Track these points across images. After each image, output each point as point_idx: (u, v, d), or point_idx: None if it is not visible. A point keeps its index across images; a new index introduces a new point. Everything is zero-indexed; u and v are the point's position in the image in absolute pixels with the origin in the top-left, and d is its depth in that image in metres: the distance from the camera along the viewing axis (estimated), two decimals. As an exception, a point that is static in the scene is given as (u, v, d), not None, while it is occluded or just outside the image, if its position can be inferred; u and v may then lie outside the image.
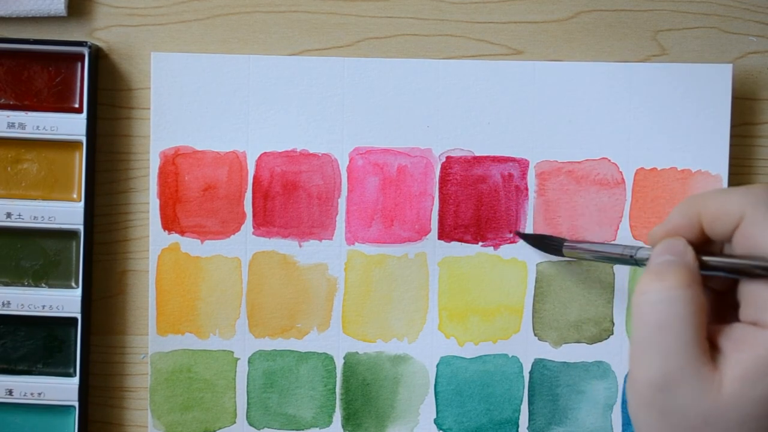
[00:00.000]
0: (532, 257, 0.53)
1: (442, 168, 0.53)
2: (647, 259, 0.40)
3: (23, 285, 0.52)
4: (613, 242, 0.49)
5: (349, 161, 0.52)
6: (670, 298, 0.35)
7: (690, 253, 0.37)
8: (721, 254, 0.38)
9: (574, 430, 0.53)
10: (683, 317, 0.35)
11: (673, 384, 0.34)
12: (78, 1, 0.53)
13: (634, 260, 0.42)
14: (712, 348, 0.36)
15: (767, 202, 0.36)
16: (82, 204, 0.52)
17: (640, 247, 0.42)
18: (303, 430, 0.53)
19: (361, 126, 0.52)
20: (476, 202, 0.53)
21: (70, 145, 0.52)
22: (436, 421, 0.53)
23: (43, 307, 0.52)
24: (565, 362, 0.53)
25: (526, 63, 0.52)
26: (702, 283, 0.37)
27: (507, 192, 0.53)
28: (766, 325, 0.35)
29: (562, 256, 0.50)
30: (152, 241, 0.52)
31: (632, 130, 0.52)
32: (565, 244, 0.50)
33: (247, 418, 0.53)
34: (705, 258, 0.37)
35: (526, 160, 0.53)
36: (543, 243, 0.52)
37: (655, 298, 0.35)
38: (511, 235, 0.53)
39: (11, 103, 0.52)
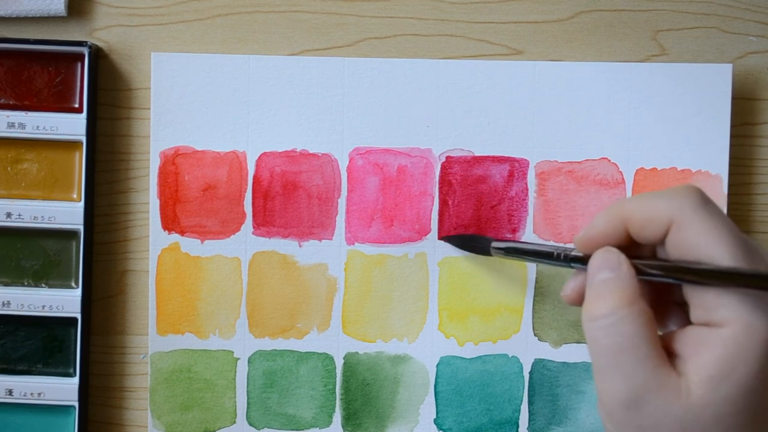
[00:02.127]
0: (532, 257, 0.53)
1: (442, 168, 0.53)
2: (579, 259, 0.39)
3: (23, 285, 0.53)
4: (543, 243, 0.48)
5: (349, 161, 0.52)
6: (617, 320, 0.35)
7: (625, 265, 0.37)
8: (655, 258, 0.38)
9: (574, 430, 0.53)
10: (634, 335, 0.35)
11: (641, 400, 0.35)
12: (78, 1, 0.53)
13: (566, 262, 0.41)
14: (670, 355, 0.36)
15: (692, 205, 0.35)
16: (82, 204, 0.52)
17: (573, 249, 0.40)
18: (303, 430, 0.53)
19: (361, 126, 0.52)
20: (476, 202, 0.53)
21: (70, 145, 0.52)
22: (436, 421, 0.53)
23: (43, 307, 0.52)
24: (565, 362, 0.53)
25: (526, 63, 0.52)
26: (643, 293, 0.36)
27: (507, 192, 0.53)
28: (717, 324, 0.35)
29: (491, 255, 0.49)
30: (152, 241, 0.52)
31: (632, 130, 0.52)
32: (493, 244, 0.49)
33: (247, 418, 0.53)
34: (640, 265, 0.37)
35: (526, 160, 0.53)
36: (469, 244, 0.51)
37: (603, 323, 0.35)
38: (511, 235, 0.53)
39: (11, 103, 0.52)
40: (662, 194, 0.37)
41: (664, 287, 0.39)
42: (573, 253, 0.40)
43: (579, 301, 0.39)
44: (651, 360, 0.35)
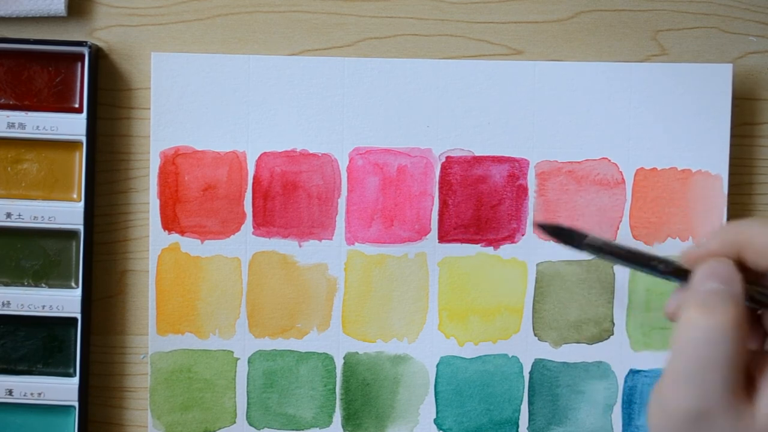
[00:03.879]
0: (532, 257, 0.53)
1: (442, 168, 0.53)
2: (681, 272, 0.38)
3: (23, 285, 0.52)
4: (643, 251, 0.43)
5: (349, 161, 0.52)
6: (717, 338, 0.34)
7: (738, 282, 0.35)
8: (761, 285, 0.37)
9: (574, 430, 0.53)
10: (728, 357, 0.34)
11: (708, 418, 0.34)
12: (78, 1, 0.53)
13: (666, 274, 0.39)
14: (747, 378, 0.35)
15: None
16: (82, 204, 0.52)
17: (673, 261, 0.38)
18: (303, 430, 0.53)
19: (361, 126, 0.52)
20: (476, 202, 0.53)
21: (70, 145, 0.52)
22: (436, 421, 0.53)
23: (43, 307, 0.52)
24: (565, 362, 0.53)
25: (526, 63, 0.52)
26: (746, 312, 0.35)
27: (507, 192, 0.53)
28: None
29: (581, 250, 0.44)
30: (152, 241, 0.52)
31: (632, 130, 0.52)
32: (587, 240, 0.44)
33: (247, 418, 0.53)
34: (752, 291, 0.36)
35: (526, 160, 0.53)
36: (563, 235, 0.45)
37: (702, 335, 0.34)
38: (511, 234, 0.53)
39: (11, 103, 0.52)
40: None
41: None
42: (676, 265, 0.38)
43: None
44: (732, 384, 0.34)
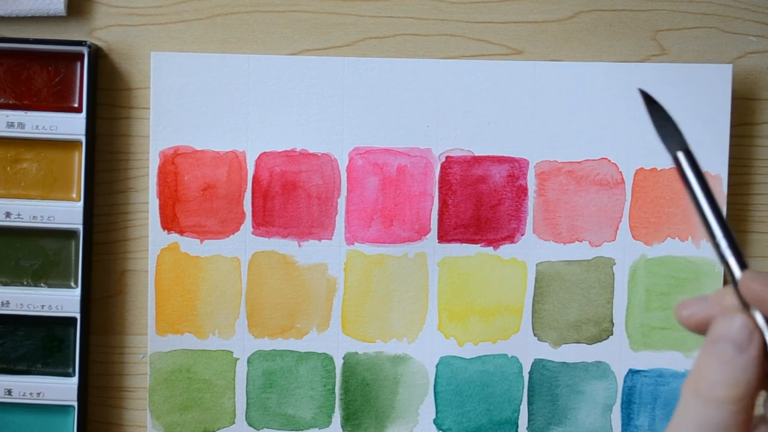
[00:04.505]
0: (532, 257, 0.53)
1: (442, 168, 0.52)
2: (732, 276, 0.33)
3: (22, 285, 0.52)
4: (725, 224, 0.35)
5: (349, 161, 0.52)
6: (735, 410, 0.31)
7: (755, 346, 0.31)
8: None
9: (574, 430, 0.53)
10: (737, 426, 0.31)
11: None
12: (78, 0, 0.53)
13: (721, 263, 0.34)
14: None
15: None
16: (81, 204, 0.51)
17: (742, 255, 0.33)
18: (302, 430, 0.53)
19: (361, 126, 0.52)
20: (476, 202, 0.53)
21: (70, 144, 0.52)
22: (435, 422, 0.53)
23: (43, 306, 0.51)
24: (564, 362, 0.53)
25: (526, 63, 0.52)
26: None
27: (507, 192, 0.53)
28: None
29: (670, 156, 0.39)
30: (151, 241, 0.52)
31: (632, 130, 0.52)
32: (679, 154, 0.38)
33: (247, 418, 0.53)
34: None
35: (526, 160, 0.52)
36: (664, 127, 0.40)
37: (726, 408, 0.31)
38: (511, 235, 0.53)
39: (11, 102, 0.52)
40: None
41: None
42: (733, 266, 0.33)
43: (694, 327, 0.34)
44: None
